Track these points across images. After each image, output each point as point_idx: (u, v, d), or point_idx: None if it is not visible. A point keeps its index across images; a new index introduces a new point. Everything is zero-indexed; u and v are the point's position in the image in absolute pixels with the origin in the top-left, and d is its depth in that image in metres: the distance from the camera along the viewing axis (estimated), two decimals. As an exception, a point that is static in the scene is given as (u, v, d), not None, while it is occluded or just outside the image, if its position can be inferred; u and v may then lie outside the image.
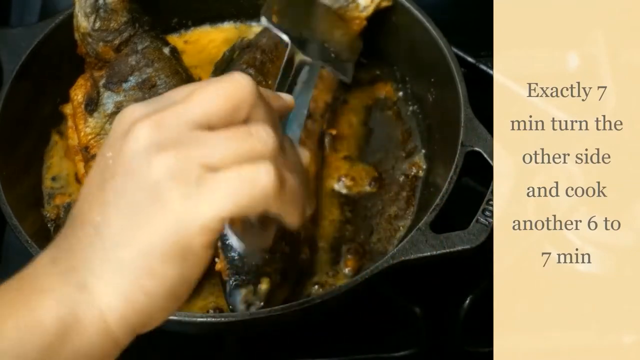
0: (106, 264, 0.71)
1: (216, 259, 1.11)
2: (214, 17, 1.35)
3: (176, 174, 0.71)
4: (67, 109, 1.24)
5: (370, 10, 1.21)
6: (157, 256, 0.71)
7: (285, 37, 1.04)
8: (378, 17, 1.26)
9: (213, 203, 0.71)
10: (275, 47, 1.23)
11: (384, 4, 1.21)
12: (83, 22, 1.23)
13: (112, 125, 0.75)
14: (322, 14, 1.20)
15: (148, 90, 1.21)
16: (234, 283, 1.09)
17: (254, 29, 1.35)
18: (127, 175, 0.72)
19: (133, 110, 0.74)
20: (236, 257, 1.09)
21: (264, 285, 1.08)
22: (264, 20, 1.06)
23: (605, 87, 1.26)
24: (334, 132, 1.24)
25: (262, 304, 1.07)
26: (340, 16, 1.22)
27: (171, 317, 1.03)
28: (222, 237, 1.12)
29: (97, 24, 1.23)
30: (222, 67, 1.25)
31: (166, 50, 1.25)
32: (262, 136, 0.73)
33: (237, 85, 0.74)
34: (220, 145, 0.72)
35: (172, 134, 0.72)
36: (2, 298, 0.71)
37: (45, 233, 1.16)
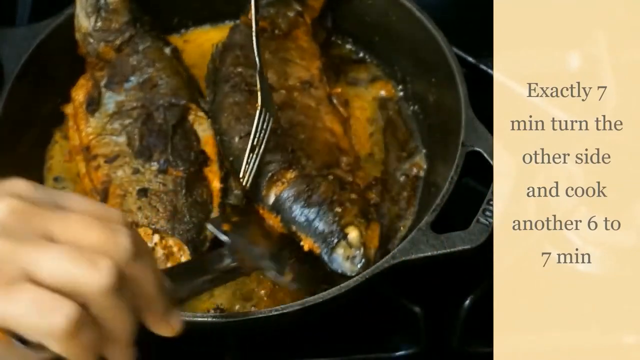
0: None
1: (301, 243, 1.12)
2: (214, 17, 1.35)
3: None
4: (68, 109, 1.24)
5: None
6: None
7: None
8: (379, 14, 1.27)
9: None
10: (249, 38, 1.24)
11: None
12: (84, 22, 1.23)
13: None
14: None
15: (149, 90, 1.21)
16: (326, 250, 1.10)
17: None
18: None
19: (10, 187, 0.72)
20: (315, 229, 1.10)
21: (352, 234, 1.09)
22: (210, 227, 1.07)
23: (605, 87, 1.26)
24: (339, 90, 1.25)
25: (362, 250, 1.08)
26: None
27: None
28: (291, 220, 1.12)
29: (98, 24, 1.23)
30: (212, 78, 1.25)
31: (167, 50, 1.25)
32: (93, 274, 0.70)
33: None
34: (53, 260, 0.70)
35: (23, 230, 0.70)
36: None
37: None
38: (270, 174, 1.14)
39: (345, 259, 1.09)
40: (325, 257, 1.10)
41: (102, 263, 0.71)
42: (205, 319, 1.03)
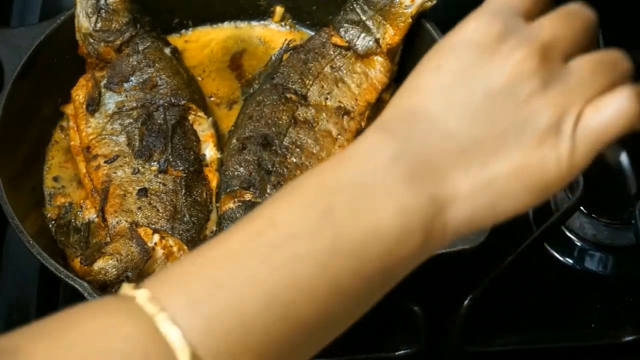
0: (469, 181, 0.69)
1: None
2: (215, 17, 1.35)
3: (565, 105, 0.70)
4: (69, 109, 1.24)
5: (414, 10, 1.21)
6: (524, 184, 0.70)
7: None
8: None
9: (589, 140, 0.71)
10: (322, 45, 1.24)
11: (428, 4, 1.21)
12: (84, 22, 1.23)
13: (448, 34, 0.74)
14: None
15: (149, 90, 1.21)
16: None
17: (253, 29, 1.35)
18: (502, 95, 0.69)
19: (488, 27, 0.71)
20: None
21: None
22: None
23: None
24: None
25: None
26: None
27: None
28: None
29: (99, 25, 1.23)
30: (267, 70, 1.25)
31: (167, 51, 1.25)
32: (624, 64, 0.73)
33: (585, 15, 0.73)
34: (596, 75, 0.71)
35: (555, 68, 0.71)
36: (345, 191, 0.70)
37: (46, 233, 1.16)
38: (231, 188, 1.13)
39: None
40: None
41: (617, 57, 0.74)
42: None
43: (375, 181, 0.69)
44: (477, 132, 0.70)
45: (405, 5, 1.22)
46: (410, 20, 1.22)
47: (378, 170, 0.70)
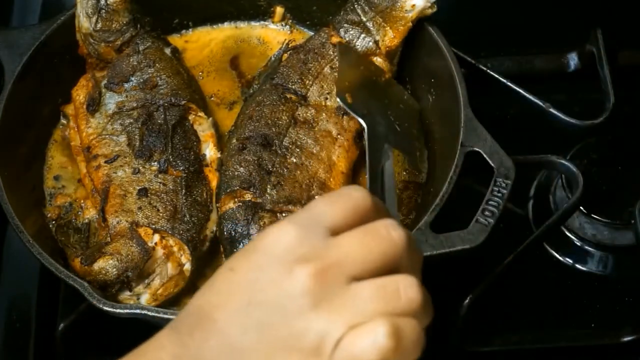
0: None
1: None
2: (215, 17, 1.35)
3: (327, 329, 0.72)
4: (69, 110, 1.24)
5: (414, 15, 1.21)
6: None
7: (362, 122, 1.10)
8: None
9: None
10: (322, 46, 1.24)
11: (429, 11, 1.21)
12: (85, 22, 1.23)
13: (255, 237, 0.77)
14: (384, 85, 1.22)
15: (150, 90, 1.21)
16: None
17: (254, 29, 1.35)
18: (275, 309, 0.73)
19: (286, 239, 0.75)
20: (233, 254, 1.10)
21: None
22: (339, 101, 1.13)
23: (604, 87, 1.26)
24: None
25: None
26: (386, 16, 1.23)
27: (171, 317, 1.03)
28: (221, 237, 1.13)
29: (99, 25, 1.23)
30: (266, 71, 1.25)
31: (167, 51, 1.25)
32: (409, 295, 0.74)
33: (390, 237, 0.75)
34: (369, 302, 0.73)
35: (332, 289, 0.73)
36: None
37: (47, 233, 1.16)
38: (231, 188, 1.14)
39: None
40: None
41: (408, 289, 0.75)
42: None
43: None
44: (249, 341, 0.73)
45: (406, 10, 1.22)
46: (410, 24, 1.22)
47: None
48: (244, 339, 0.73)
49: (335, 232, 0.75)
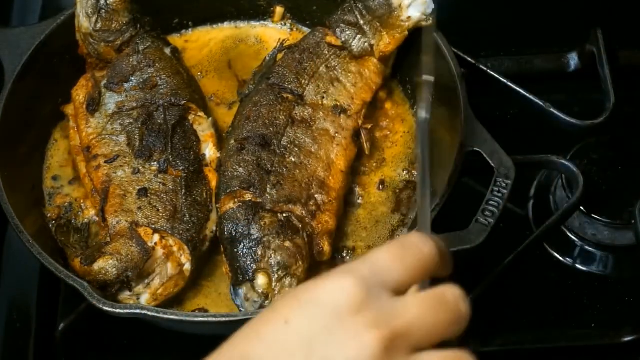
0: None
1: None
2: (214, 17, 1.35)
3: None
4: (69, 109, 1.24)
5: (410, 25, 1.21)
6: None
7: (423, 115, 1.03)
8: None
9: None
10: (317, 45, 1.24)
11: (423, 23, 1.22)
12: (85, 22, 1.23)
13: (311, 287, 0.72)
14: None
15: (149, 90, 1.21)
16: (234, 281, 1.10)
17: (254, 29, 1.35)
18: None
19: (349, 295, 0.71)
20: (233, 257, 1.10)
21: (260, 280, 1.08)
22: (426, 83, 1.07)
23: (604, 87, 1.26)
24: (368, 126, 1.23)
25: (262, 298, 1.08)
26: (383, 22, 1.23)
27: (171, 317, 1.04)
28: (221, 237, 1.13)
29: (99, 25, 1.23)
30: (262, 71, 1.24)
31: (167, 51, 1.25)
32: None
33: (458, 309, 0.74)
34: None
35: (397, 358, 0.70)
36: None
37: (47, 233, 1.16)
38: (231, 189, 1.13)
39: (246, 299, 1.09)
40: (231, 287, 1.11)
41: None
42: (204, 319, 1.04)
43: None
44: None
45: (402, 20, 1.22)
46: (406, 33, 1.22)
47: None
48: None
49: (401, 291, 0.72)
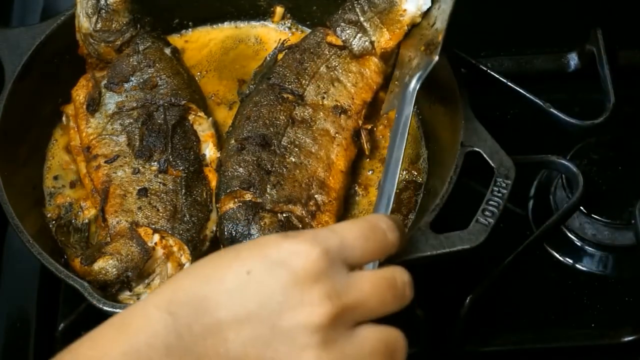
0: None
1: None
2: (214, 17, 1.35)
3: None
4: (69, 109, 1.24)
5: (407, 19, 1.21)
6: None
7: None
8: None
9: None
10: (317, 45, 1.24)
11: (418, 19, 1.21)
12: (85, 22, 1.23)
13: (278, 241, 0.78)
14: None
15: (149, 90, 1.21)
16: None
17: (254, 29, 1.35)
18: (284, 336, 0.74)
19: (312, 262, 0.76)
20: None
21: None
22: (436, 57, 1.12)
23: (604, 87, 1.26)
24: (369, 126, 1.23)
25: None
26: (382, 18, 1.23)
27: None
28: (221, 236, 1.13)
29: (99, 25, 1.23)
30: (262, 71, 1.24)
31: (167, 51, 1.25)
32: (402, 354, 0.80)
33: (403, 295, 0.80)
34: (369, 356, 0.77)
35: (341, 330, 0.76)
36: None
37: (46, 232, 1.16)
38: (231, 189, 1.13)
39: None
40: None
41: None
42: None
43: None
44: (245, 356, 0.74)
45: (401, 14, 1.22)
46: (405, 28, 1.22)
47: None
48: (242, 351, 0.74)
49: (357, 266, 0.77)
